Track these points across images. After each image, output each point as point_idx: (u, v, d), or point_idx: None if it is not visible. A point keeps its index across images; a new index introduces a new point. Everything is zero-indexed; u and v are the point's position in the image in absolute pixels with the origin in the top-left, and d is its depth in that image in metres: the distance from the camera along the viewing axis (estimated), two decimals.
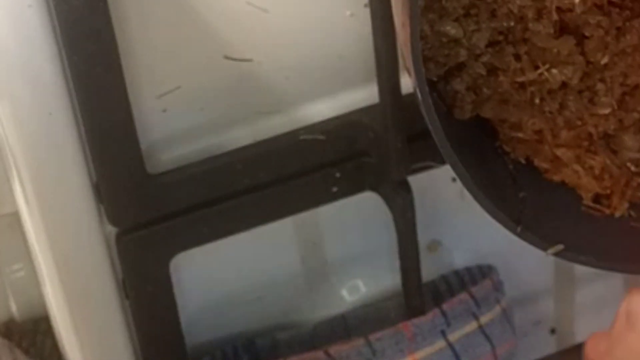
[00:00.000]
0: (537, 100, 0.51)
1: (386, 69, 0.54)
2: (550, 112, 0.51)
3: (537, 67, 0.50)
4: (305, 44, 0.55)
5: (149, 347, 0.59)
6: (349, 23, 0.56)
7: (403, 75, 0.54)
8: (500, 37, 0.51)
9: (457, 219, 0.64)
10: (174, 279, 0.58)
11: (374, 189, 0.59)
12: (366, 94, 0.57)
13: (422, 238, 0.59)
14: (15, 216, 0.58)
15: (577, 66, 0.50)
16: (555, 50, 0.50)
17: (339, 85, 0.57)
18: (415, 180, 0.58)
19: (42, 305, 0.60)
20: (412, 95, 0.47)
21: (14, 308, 0.61)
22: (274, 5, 0.54)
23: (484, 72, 0.51)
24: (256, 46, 0.55)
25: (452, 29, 0.50)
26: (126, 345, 0.59)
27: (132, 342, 0.59)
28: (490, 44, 0.51)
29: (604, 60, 0.50)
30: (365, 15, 0.54)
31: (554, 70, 0.50)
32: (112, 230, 0.56)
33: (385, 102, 0.55)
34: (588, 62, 0.50)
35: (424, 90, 0.46)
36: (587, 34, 0.50)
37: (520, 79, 0.51)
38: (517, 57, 0.51)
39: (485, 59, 0.51)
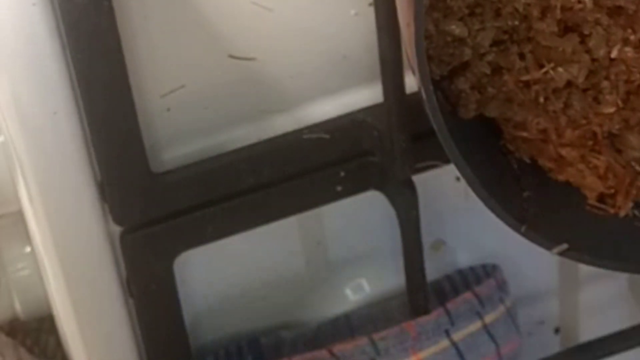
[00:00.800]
0: (541, 99, 0.51)
1: (390, 68, 0.54)
2: (555, 112, 0.51)
3: (542, 66, 0.50)
4: (309, 43, 0.55)
5: (152, 346, 0.59)
6: (353, 22, 0.56)
7: (407, 74, 0.54)
8: (505, 37, 0.51)
9: (462, 218, 0.64)
10: (178, 278, 0.58)
11: (378, 188, 0.59)
12: (370, 93, 0.57)
13: (426, 237, 0.59)
14: (19, 215, 0.58)
15: (582, 64, 0.50)
16: (560, 48, 0.50)
17: (343, 85, 0.57)
18: (420, 180, 0.58)
19: (46, 303, 0.60)
20: (416, 95, 0.47)
21: (17, 307, 0.61)
22: (279, 4, 0.54)
23: (488, 72, 0.51)
24: (260, 45, 0.55)
25: (456, 28, 0.50)
26: (130, 343, 0.59)
27: (136, 341, 0.59)
28: (495, 43, 0.51)
29: (614, 54, 0.49)
30: (369, 14, 0.54)
31: (560, 69, 0.50)
32: (116, 229, 0.56)
33: (390, 102, 0.55)
34: (593, 60, 0.50)
35: (429, 89, 0.46)
36: (585, 32, 0.50)
37: (524, 78, 0.51)
38: (522, 56, 0.51)
39: (489, 57, 0.51)
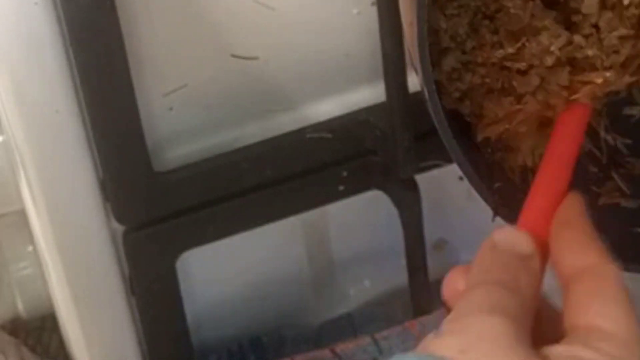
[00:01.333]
0: (513, 83, 0.51)
1: (393, 67, 0.54)
2: (520, 98, 0.51)
3: (517, 41, 0.50)
4: (312, 42, 0.55)
5: (155, 345, 0.59)
6: (356, 21, 0.56)
7: (410, 73, 0.54)
8: (479, 17, 0.50)
9: (464, 217, 0.64)
10: (180, 277, 0.58)
11: (380, 187, 0.59)
12: (373, 93, 0.57)
13: (429, 236, 0.59)
14: (22, 214, 0.58)
15: (556, 32, 0.50)
16: (532, 23, 0.49)
17: (345, 84, 0.57)
18: (422, 179, 0.58)
19: (49, 302, 0.60)
20: (419, 94, 0.47)
21: (20, 306, 0.61)
22: (281, 4, 0.54)
23: (465, 59, 0.51)
24: (263, 44, 0.55)
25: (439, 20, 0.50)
26: (132, 342, 0.59)
27: (138, 340, 0.59)
28: (472, 30, 0.51)
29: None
30: (372, 13, 0.54)
31: (534, 42, 0.50)
32: (118, 227, 0.56)
33: (392, 101, 0.55)
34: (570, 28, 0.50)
35: (431, 88, 0.46)
36: None
37: (499, 54, 0.50)
38: (495, 31, 0.50)
39: (469, 45, 0.50)
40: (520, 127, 0.51)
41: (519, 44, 0.49)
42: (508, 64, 0.50)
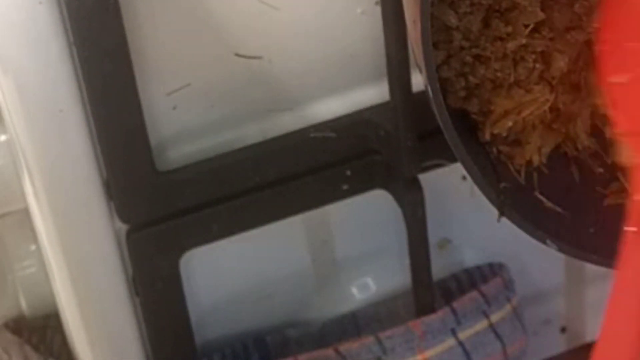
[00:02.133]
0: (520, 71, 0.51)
1: (397, 66, 0.54)
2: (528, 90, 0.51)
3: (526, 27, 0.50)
4: (315, 42, 0.55)
5: (158, 344, 0.59)
6: (359, 21, 0.56)
7: (414, 73, 0.54)
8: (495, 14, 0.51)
9: (468, 217, 0.64)
10: (183, 276, 0.58)
11: (384, 186, 0.59)
12: (377, 92, 0.57)
13: (432, 236, 0.59)
14: (26, 213, 0.58)
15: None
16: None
17: (349, 83, 0.57)
18: (426, 178, 0.58)
19: (52, 301, 0.60)
20: (423, 93, 0.47)
21: (23, 304, 0.61)
22: (285, 3, 0.54)
23: (476, 53, 0.51)
24: (267, 44, 0.55)
25: (447, 16, 0.50)
26: (136, 342, 0.59)
27: (141, 339, 0.59)
28: (485, 26, 0.51)
29: None
30: (376, 13, 0.54)
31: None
32: (122, 227, 0.56)
33: (396, 100, 0.55)
34: None
35: (435, 87, 0.46)
36: None
37: (512, 45, 0.50)
38: (507, 23, 0.50)
39: (482, 41, 0.50)
40: (530, 119, 0.51)
41: (529, 30, 0.50)
42: (524, 51, 0.50)
